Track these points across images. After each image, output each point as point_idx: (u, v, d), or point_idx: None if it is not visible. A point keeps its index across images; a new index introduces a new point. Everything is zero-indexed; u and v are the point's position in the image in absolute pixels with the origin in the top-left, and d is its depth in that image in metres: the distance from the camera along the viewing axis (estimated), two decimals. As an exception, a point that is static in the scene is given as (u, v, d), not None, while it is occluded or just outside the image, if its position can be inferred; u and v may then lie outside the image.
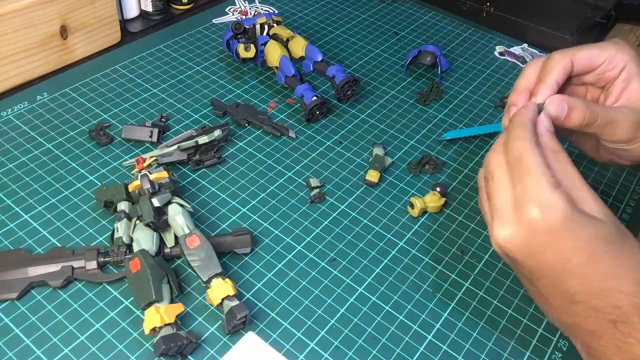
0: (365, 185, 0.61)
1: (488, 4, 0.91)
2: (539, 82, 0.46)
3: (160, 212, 0.51)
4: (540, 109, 0.44)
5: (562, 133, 0.49)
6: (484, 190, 0.44)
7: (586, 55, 0.47)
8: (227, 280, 0.48)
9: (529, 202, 0.39)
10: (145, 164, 0.59)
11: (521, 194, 0.40)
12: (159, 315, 0.45)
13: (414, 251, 0.55)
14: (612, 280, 0.39)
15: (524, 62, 0.82)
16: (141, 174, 0.53)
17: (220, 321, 0.48)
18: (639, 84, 0.47)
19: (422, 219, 0.58)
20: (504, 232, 0.41)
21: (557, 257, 0.39)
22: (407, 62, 0.77)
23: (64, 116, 0.66)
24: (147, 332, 0.45)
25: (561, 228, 0.38)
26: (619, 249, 0.39)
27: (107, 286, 0.50)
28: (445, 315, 0.50)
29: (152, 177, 0.53)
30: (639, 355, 0.37)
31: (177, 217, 0.51)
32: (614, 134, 0.46)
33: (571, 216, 0.39)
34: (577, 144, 0.53)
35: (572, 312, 0.40)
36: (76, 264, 0.50)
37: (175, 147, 0.60)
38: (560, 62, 0.47)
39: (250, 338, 0.46)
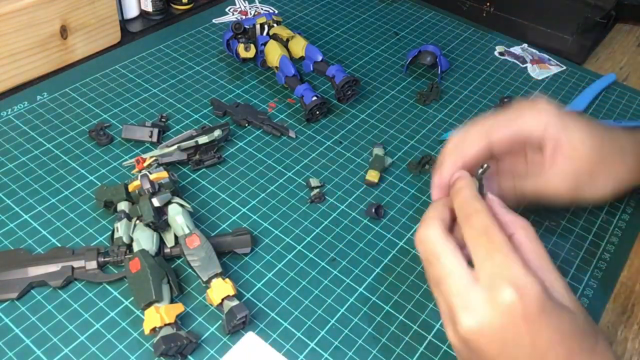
0: (365, 185, 0.61)
1: (488, 4, 0.91)
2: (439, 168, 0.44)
3: (160, 212, 0.51)
4: (479, 178, 0.41)
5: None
6: (427, 275, 0.39)
7: (503, 133, 0.45)
8: (227, 280, 0.48)
9: (503, 284, 0.33)
10: (145, 164, 0.59)
11: (491, 273, 0.34)
12: (159, 315, 0.45)
13: (413, 251, 0.55)
14: None
15: (524, 62, 0.82)
16: (141, 174, 0.53)
17: (220, 321, 0.48)
18: (567, 137, 0.45)
19: (422, 219, 0.58)
20: (473, 320, 0.34)
21: (535, 351, 0.34)
22: (407, 62, 0.77)
23: (64, 116, 0.66)
24: (147, 332, 0.45)
25: (538, 316, 0.33)
26: (593, 345, 0.35)
27: (107, 286, 0.50)
28: (445, 315, 0.50)
29: (152, 177, 0.53)
30: None
31: (177, 217, 0.51)
32: (549, 193, 0.46)
33: (547, 303, 0.33)
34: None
35: None
36: (76, 264, 0.50)
37: (175, 147, 0.60)
38: (475, 146, 0.44)
39: (250, 338, 0.46)
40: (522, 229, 0.38)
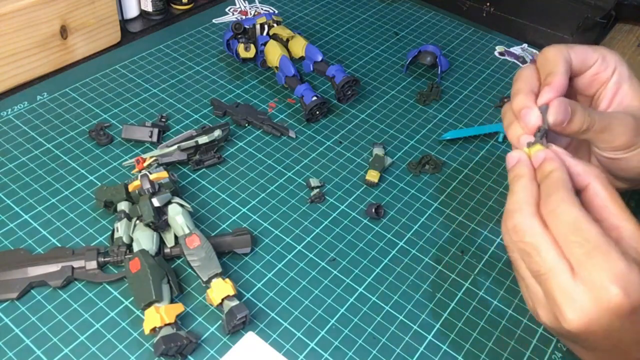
0: (365, 185, 0.61)
1: (488, 4, 0.91)
2: (549, 75, 0.42)
3: (160, 212, 0.51)
4: (542, 112, 0.41)
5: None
6: (513, 252, 0.38)
7: (581, 50, 0.44)
8: (227, 280, 0.48)
9: (609, 283, 0.34)
10: (145, 164, 0.59)
11: (594, 273, 0.34)
12: (159, 315, 0.45)
13: (414, 251, 0.55)
14: None
15: (524, 62, 0.82)
16: (141, 174, 0.53)
17: (220, 321, 0.48)
18: (630, 87, 0.45)
19: (422, 219, 0.58)
20: (579, 317, 0.34)
21: (638, 334, 0.35)
22: (407, 62, 0.77)
23: (64, 116, 0.66)
24: (147, 332, 0.45)
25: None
26: None
27: (107, 286, 0.50)
28: (445, 315, 0.50)
29: (152, 177, 0.53)
30: None
31: (177, 217, 0.51)
32: (612, 140, 0.43)
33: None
34: None
35: None
36: (76, 264, 0.50)
37: (175, 147, 0.60)
38: (561, 54, 0.43)
39: (250, 338, 0.46)
40: (596, 178, 0.38)
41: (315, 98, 0.66)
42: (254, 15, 0.88)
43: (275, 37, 0.75)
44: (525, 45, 0.86)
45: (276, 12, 0.89)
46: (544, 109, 0.41)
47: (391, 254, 0.55)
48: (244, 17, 0.86)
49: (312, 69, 0.73)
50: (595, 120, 0.42)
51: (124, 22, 0.80)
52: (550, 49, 0.44)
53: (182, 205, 0.52)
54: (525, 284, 0.38)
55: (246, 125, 0.67)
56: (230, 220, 0.57)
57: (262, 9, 0.89)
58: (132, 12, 0.83)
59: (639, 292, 0.34)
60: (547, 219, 0.36)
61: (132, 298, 0.48)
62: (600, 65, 0.45)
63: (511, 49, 0.85)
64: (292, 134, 0.66)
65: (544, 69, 0.43)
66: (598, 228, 0.35)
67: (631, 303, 0.33)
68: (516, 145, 0.42)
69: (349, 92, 0.71)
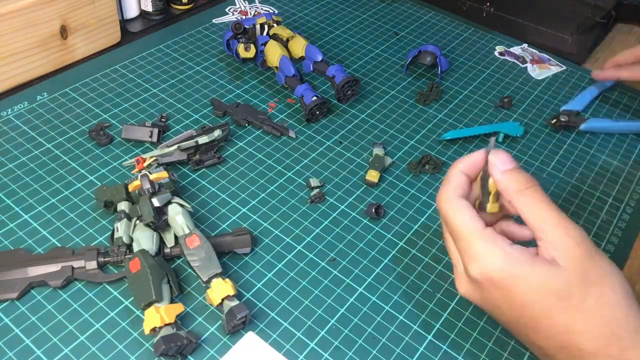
0: (365, 185, 0.61)
1: (488, 4, 0.91)
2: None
3: (160, 212, 0.51)
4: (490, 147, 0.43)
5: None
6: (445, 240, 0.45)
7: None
8: (227, 280, 0.48)
9: (468, 263, 0.40)
10: (145, 164, 0.59)
11: (462, 257, 0.41)
12: (159, 315, 0.45)
13: (413, 251, 0.55)
14: (572, 336, 0.37)
15: (524, 62, 0.82)
16: (141, 174, 0.52)
17: (220, 321, 0.48)
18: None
19: (422, 219, 0.58)
20: (463, 289, 0.43)
21: (512, 312, 0.39)
22: (407, 62, 0.77)
23: (64, 116, 0.66)
24: (147, 332, 0.45)
25: (504, 281, 0.38)
26: (578, 302, 0.37)
27: (107, 286, 0.50)
28: (445, 315, 0.50)
29: (152, 177, 0.53)
30: None
31: (177, 217, 0.51)
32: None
33: (512, 268, 0.38)
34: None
35: None
36: (76, 264, 0.50)
37: (175, 147, 0.60)
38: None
39: (250, 338, 0.46)
40: (517, 194, 0.41)
41: (315, 98, 0.66)
42: (254, 15, 0.88)
43: (275, 37, 0.75)
44: (525, 45, 0.86)
45: (276, 12, 0.89)
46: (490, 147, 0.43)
47: (391, 254, 0.55)
48: (244, 17, 0.86)
49: (312, 69, 0.73)
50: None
51: (124, 22, 0.80)
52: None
53: (182, 205, 0.52)
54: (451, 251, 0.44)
55: (246, 125, 0.67)
56: (230, 220, 0.57)
57: (262, 9, 0.89)
58: (132, 12, 0.83)
59: (493, 267, 0.39)
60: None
61: (132, 298, 0.48)
62: None
63: (511, 49, 0.85)
64: (292, 134, 0.66)
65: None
66: (464, 216, 0.41)
67: (487, 276, 0.39)
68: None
69: (349, 92, 0.71)
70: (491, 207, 0.43)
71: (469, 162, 0.43)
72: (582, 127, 0.70)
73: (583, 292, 0.37)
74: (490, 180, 0.42)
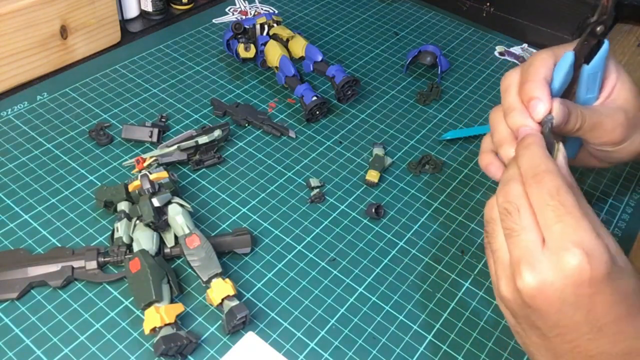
0: (365, 185, 0.61)
1: (488, 4, 0.91)
2: (528, 82, 0.42)
3: (160, 212, 0.51)
4: (548, 120, 0.40)
5: None
6: (496, 223, 0.38)
7: (563, 46, 0.44)
8: (227, 280, 0.48)
9: (573, 247, 0.33)
10: (145, 164, 0.59)
11: (560, 236, 0.34)
12: (159, 315, 0.45)
13: (414, 251, 0.55)
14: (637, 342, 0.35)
15: (524, 62, 0.82)
16: (141, 174, 0.53)
17: (220, 321, 0.48)
18: (620, 80, 0.45)
19: (422, 219, 0.58)
20: (535, 279, 0.34)
21: (593, 314, 0.34)
22: (407, 62, 0.77)
23: (64, 116, 0.66)
24: (147, 332, 0.45)
25: (605, 281, 0.33)
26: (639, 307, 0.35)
27: (107, 286, 0.50)
28: (445, 315, 0.50)
29: (152, 177, 0.53)
30: None
31: (177, 217, 0.51)
32: (601, 137, 0.44)
33: (613, 268, 0.33)
34: None
35: None
36: (76, 264, 0.50)
37: (175, 147, 0.60)
38: (540, 57, 0.43)
39: (250, 338, 0.46)
40: (574, 190, 0.37)
41: (315, 98, 0.66)
42: (254, 15, 0.88)
43: (275, 37, 0.75)
44: (525, 45, 0.86)
45: (276, 12, 0.89)
46: (548, 119, 0.41)
47: (391, 254, 0.55)
48: (244, 17, 0.86)
49: (312, 69, 0.73)
50: (586, 118, 0.42)
51: (124, 22, 0.80)
52: (536, 56, 0.44)
53: (182, 205, 0.52)
54: (494, 253, 0.38)
55: (246, 125, 0.67)
56: (230, 220, 0.57)
57: (262, 9, 0.89)
58: (132, 12, 0.83)
59: (602, 263, 0.33)
60: (529, 186, 0.37)
61: (132, 298, 0.48)
62: None
63: (511, 49, 0.85)
64: (292, 134, 0.66)
65: (530, 74, 0.43)
66: (575, 199, 0.35)
67: (591, 273, 0.33)
68: (515, 132, 0.42)
69: (349, 92, 0.71)
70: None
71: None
72: None
73: None
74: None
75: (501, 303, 0.38)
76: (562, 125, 0.41)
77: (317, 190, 0.60)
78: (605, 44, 0.42)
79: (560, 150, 0.39)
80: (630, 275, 0.35)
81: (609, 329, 0.34)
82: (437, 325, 0.49)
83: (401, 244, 0.56)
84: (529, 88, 0.41)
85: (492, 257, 0.38)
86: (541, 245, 0.35)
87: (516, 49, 0.85)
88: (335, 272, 0.53)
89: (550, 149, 0.39)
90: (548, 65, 0.43)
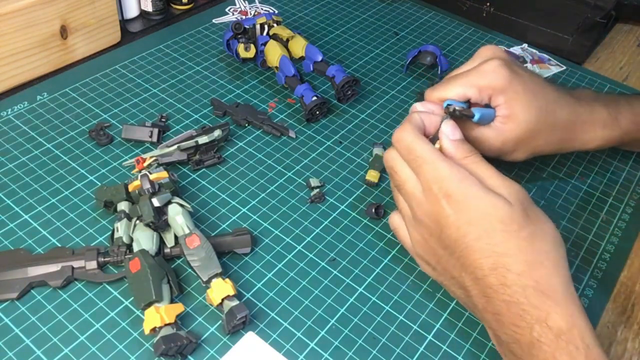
0: (365, 185, 0.61)
1: (488, 4, 0.91)
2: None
3: (160, 212, 0.51)
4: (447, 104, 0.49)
5: None
6: (397, 161, 0.48)
7: (460, 94, 0.51)
8: (227, 280, 0.48)
9: (431, 183, 0.44)
10: (145, 164, 0.59)
11: (422, 183, 0.45)
12: (159, 315, 0.45)
13: (414, 251, 0.55)
14: (504, 258, 0.41)
15: (524, 62, 0.82)
16: (141, 174, 0.53)
17: (220, 321, 0.48)
18: (518, 108, 0.51)
19: (422, 219, 0.58)
20: (415, 235, 0.47)
21: (459, 231, 0.42)
22: (407, 62, 0.77)
23: (64, 116, 0.66)
24: (147, 332, 0.45)
25: (459, 198, 0.42)
26: (516, 230, 0.41)
27: (107, 286, 0.50)
28: (445, 315, 0.50)
29: (152, 177, 0.53)
30: (532, 341, 0.38)
31: (177, 217, 0.51)
32: (483, 150, 0.51)
33: (469, 187, 0.43)
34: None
35: (480, 292, 0.42)
36: (76, 264, 0.50)
37: (175, 147, 0.60)
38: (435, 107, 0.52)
39: (250, 338, 0.46)
40: (465, 158, 0.46)
41: (315, 98, 0.66)
42: (254, 15, 0.88)
43: (275, 37, 0.75)
44: (525, 45, 0.86)
45: (276, 12, 0.89)
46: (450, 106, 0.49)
47: (391, 254, 0.55)
48: (244, 17, 0.86)
49: (312, 69, 0.73)
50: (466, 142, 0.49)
51: (124, 22, 0.80)
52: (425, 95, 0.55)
53: (182, 205, 0.52)
54: (405, 183, 0.47)
55: (246, 125, 0.67)
56: (230, 220, 0.57)
57: (262, 9, 0.89)
58: (132, 12, 0.83)
59: (450, 183, 0.43)
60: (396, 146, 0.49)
61: (132, 298, 0.48)
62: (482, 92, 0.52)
63: (511, 49, 0.85)
64: (292, 134, 0.66)
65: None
66: (429, 146, 0.46)
67: (443, 190, 0.44)
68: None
69: (349, 92, 0.71)
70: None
71: (426, 109, 0.50)
72: None
73: (522, 225, 0.41)
74: (437, 146, 0.47)
75: (421, 236, 0.47)
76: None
77: (317, 190, 0.60)
78: (476, 116, 0.49)
79: (443, 133, 0.48)
80: (500, 201, 0.42)
81: (474, 245, 0.42)
82: (437, 325, 0.49)
83: (401, 244, 0.56)
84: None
85: (402, 187, 0.47)
86: (419, 186, 0.46)
87: (516, 49, 0.85)
88: (335, 272, 0.53)
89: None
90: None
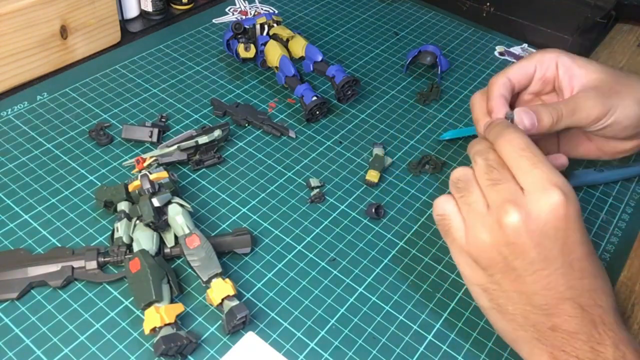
0: (365, 185, 0.61)
1: (488, 4, 0.91)
2: (489, 100, 0.48)
3: (160, 212, 0.51)
4: (510, 118, 0.45)
5: None
6: (470, 179, 0.42)
7: (517, 68, 0.50)
8: (227, 280, 0.48)
9: (552, 186, 0.38)
10: (145, 164, 0.59)
11: (539, 179, 0.38)
12: (159, 315, 0.45)
13: (413, 251, 0.55)
14: (600, 280, 0.39)
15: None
16: (141, 174, 0.52)
17: (220, 321, 0.48)
18: (579, 67, 0.49)
19: (422, 219, 0.58)
20: (521, 214, 0.38)
21: (566, 247, 0.38)
22: (407, 62, 0.77)
23: (64, 116, 0.66)
24: (147, 332, 0.45)
25: (576, 219, 0.38)
26: (591, 248, 0.40)
27: (107, 286, 0.50)
28: (445, 315, 0.50)
29: (152, 177, 0.53)
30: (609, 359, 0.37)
31: (177, 217, 0.51)
32: (588, 116, 0.47)
33: (580, 209, 0.39)
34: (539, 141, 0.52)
35: (554, 312, 0.38)
36: (76, 264, 0.50)
37: (175, 147, 0.60)
38: (497, 81, 0.49)
39: (250, 338, 0.46)
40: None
41: (315, 98, 0.66)
42: (254, 15, 0.88)
43: (275, 37, 0.75)
44: (525, 45, 0.86)
45: (276, 12, 0.89)
46: (509, 115, 0.45)
47: (391, 254, 0.55)
48: (244, 17, 0.86)
49: (312, 69, 0.73)
50: (562, 109, 0.46)
51: (124, 22, 0.80)
52: (491, 81, 0.49)
53: (182, 205, 0.52)
54: (470, 206, 0.41)
55: (246, 125, 0.67)
56: (230, 220, 0.57)
57: (262, 9, 0.89)
58: (132, 12, 0.83)
59: (575, 203, 0.38)
60: (501, 145, 0.41)
61: (132, 298, 0.48)
62: (540, 69, 0.50)
63: (511, 49, 0.85)
64: (292, 134, 0.66)
65: (487, 97, 0.49)
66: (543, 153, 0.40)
67: (567, 209, 0.38)
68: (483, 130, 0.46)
69: (349, 92, 0.71)
70: None
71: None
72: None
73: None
74: None
75: (468, 260, 0.41)
76: (537, 124, 0.45)
77: (317, 190, 0.60)
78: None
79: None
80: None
81: (577, 264, 0.38)
82: (437, 325, 0.49)
83: (401, 244, 0.56)
84: (490, 105, 0.48)
85: (462, 212, 0.42)
86: (521, 191, 0.39)
87: (516, 49, 0.85)
88: (335, 272, 0.53)
89: None
90: (501, 84, 0.49)
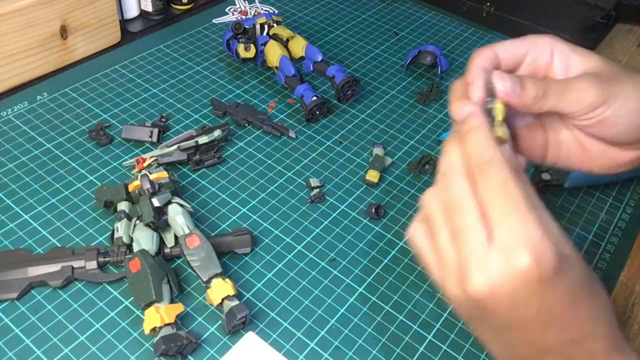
0: (365, 185, 0.61)
1: (488, 4, 0.91)
2: (468, 71, 0.41)
3: (160, 212, 0.51)
4: (491, 92, 0.39)
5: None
6: (437, 219, 0.36)
7: (507, 45, 0.43)
8: (227, 280, 0.48)
9: (521, 247, 0.32)
10: (145, 164, 0.59)
11: (509, 235, 0.33)
12: (159, 315, 0.45)
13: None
14: (588, 326, 0.35)
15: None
16: (141, 174, 0.52)
17: (220, 321, 0.48)
18: (577, 55, 0.43)
19: (422, 219, 0.58)
20: (485, 282, 0.33)
21: (543, 308, 0.34)
22: (407, 62, 0.77)
23: (64, 116, 0.66)
24: (147, 332, 0.45)
25: (552, 278, 0.33)
26: (592, 290, 0.35)
27: (107, 286, 0.50)
28: (445, 315, 0.50)
29: (152, 177, 0.53)
30: None
31: (177, 217, 0.51)
32: (582, 98, 0.40)
33: (560, 263, 0.33)
34: (523, 146, 0.45)
35: None
36: (76, 264, 0.50)
37: (175, 147, 0.60)
38: (482, 52, 0.42)
39: (250, 338, 0.46)
40: (518, 174, 0.36)
41: (315, 98, 0.66)
42: (254, 15, 0.88)
43: (275, 37, 0.75)
44: (525, 45, 0.85)
45: (276, 12, 0.89)
46: (489, 102, 0.39)
47: (391, 254, 0.55)
48: (244, 17, 0.86)
49: (312, 69, 0.73)
50: (550, 84, 0.40)
51: (124, 22, 0.80)
52: (474, 53, 0.43)
53: (182, 205, 0.52)
54: (439, 251, 0.36)
55: (246, 125, 0.67)
56: (230, 220, 0.57)
57: (262, 9, 0.89)
58: (132, 12, 0.83)
59: (549, 262, 0.32)
60: (475, 177, 0.35)
61: (132, 298, 0.48)
62: (532, 53, 0.43)
63: (511, 49, 0.84)
64: (292, 134, 0.66)
65: (468, 68, 0.42)
66: (522, 189, 0.34)
67: (540, 273, 0.32)
68: (456, 116, 0.40)
69: (349, 92, 0.71)
70: (502, 132, 0.38)
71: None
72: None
73: (592, 280, 0.35)
74: (497, 105, 0.39)
75: (448, 299, 0.37)
76: (520, 92, 0.39)
77: (317, 190, 0.60)
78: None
79: (505, 133, 0.38)
80: (575, 263, 0.34)
81: (558, 321, 0.34)
82: (437, 325, 0.49)
83: (401, 244, 0.56)
84: (469, 77, 0.41)
85: (434, 255, 0.37)
86: (487, 243, 0.33)
87: (516, 49, 0.85)
88: (335, 272, 0.53)
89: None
90: (486, 56, 0.42)
